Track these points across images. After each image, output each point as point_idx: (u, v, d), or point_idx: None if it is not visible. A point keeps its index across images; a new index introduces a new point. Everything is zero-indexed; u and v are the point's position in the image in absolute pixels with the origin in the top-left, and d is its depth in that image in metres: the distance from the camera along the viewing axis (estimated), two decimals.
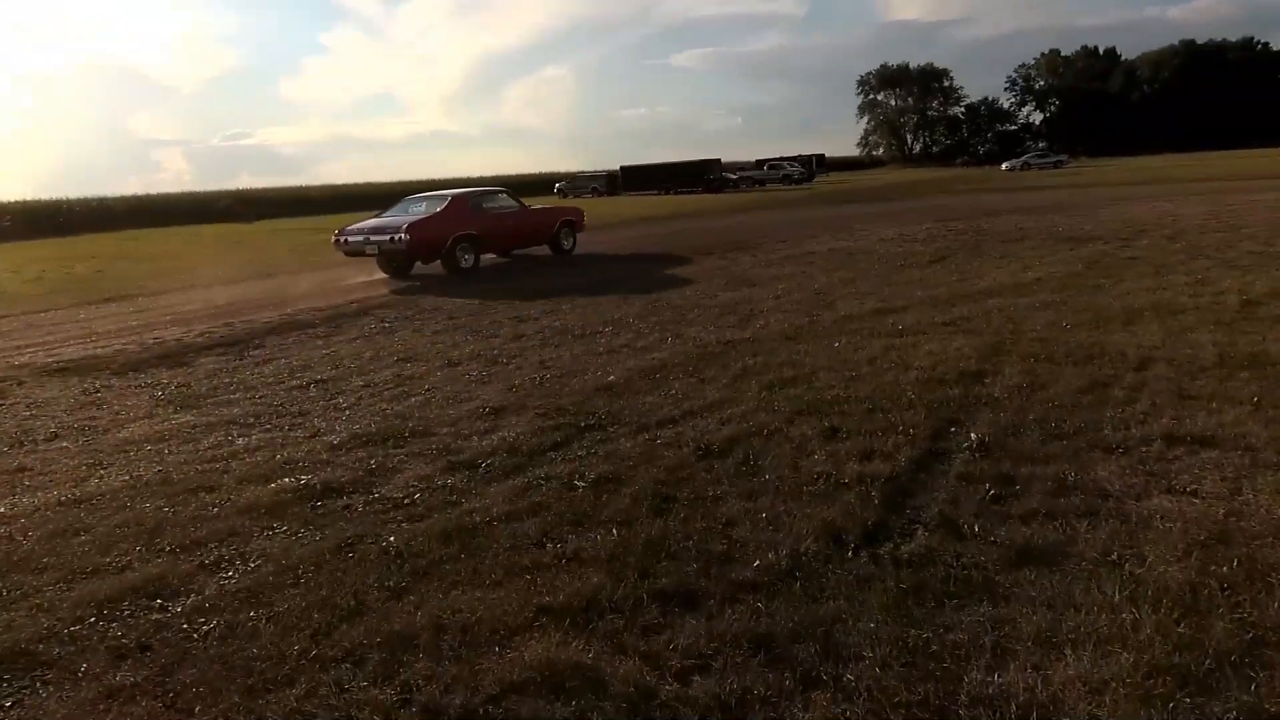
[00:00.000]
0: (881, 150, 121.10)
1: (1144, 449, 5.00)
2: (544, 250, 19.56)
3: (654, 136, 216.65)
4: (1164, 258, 12.23)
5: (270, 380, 8.74)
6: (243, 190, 72.49)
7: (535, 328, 10.50)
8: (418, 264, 17.35)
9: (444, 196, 17.60)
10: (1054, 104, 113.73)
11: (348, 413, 7.28)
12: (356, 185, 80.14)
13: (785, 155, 74.39)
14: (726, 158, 73.23)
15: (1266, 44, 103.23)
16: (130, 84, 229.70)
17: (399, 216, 17.03)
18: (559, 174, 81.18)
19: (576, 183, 71.68)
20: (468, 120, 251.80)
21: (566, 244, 19.69)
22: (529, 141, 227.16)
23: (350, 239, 17.00)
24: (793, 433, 5.78)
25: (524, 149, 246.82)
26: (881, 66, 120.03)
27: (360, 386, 8.18)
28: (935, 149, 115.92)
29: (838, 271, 13.43)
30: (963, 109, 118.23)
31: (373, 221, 17.45)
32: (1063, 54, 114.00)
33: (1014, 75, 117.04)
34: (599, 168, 71.86)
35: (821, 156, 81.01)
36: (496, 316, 11.54)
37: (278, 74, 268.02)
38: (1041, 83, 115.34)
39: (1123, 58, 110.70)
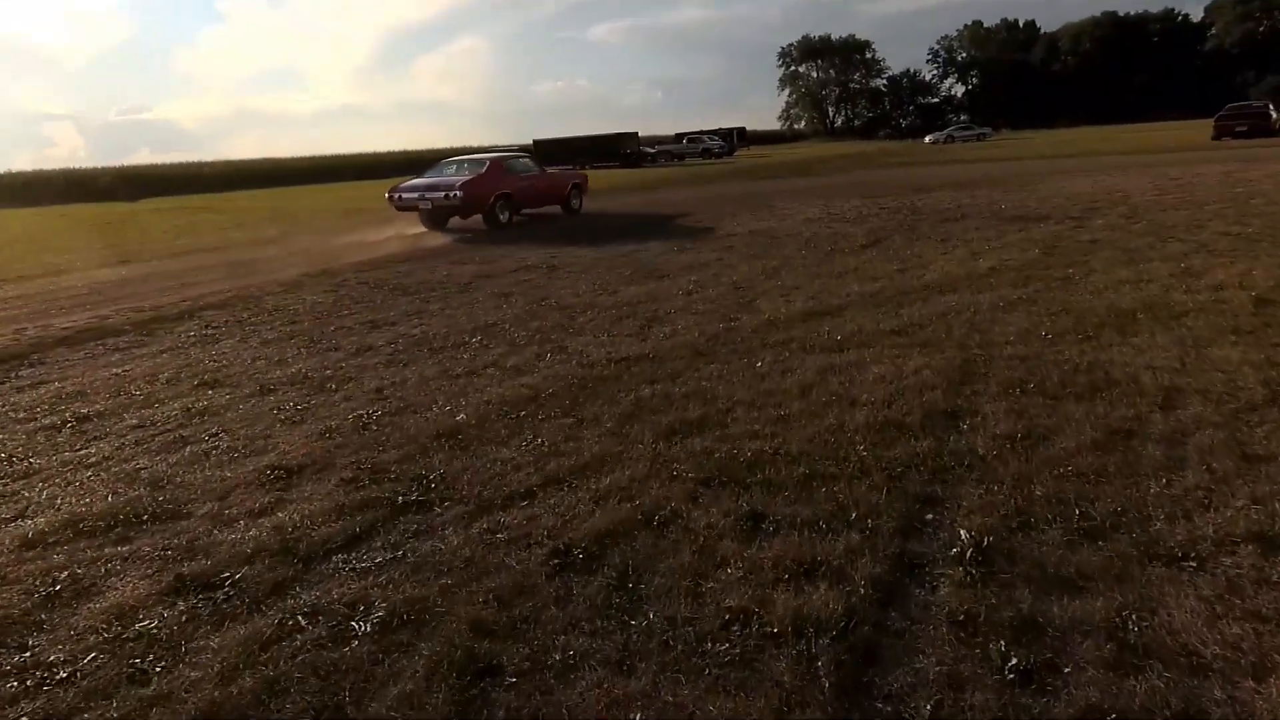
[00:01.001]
0: (803, 123, 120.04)
1: (1227, 561, 3.27)
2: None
3: (573, 110, 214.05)
4: (1130, 240, 10.68)
5: (21, 416, 6.59)
6: (127, 167, 67.64)
7: (388, 337, 8.48)
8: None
9: (483, 160, 19.79)
10: (975, 76, 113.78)
11: (88, 474, 5.22)
12: (254, 161, 75.84)
13: (705, 128, 72.52)
14: (648, 131, 71.31)
15: (1186, 15, 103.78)
16: (14, 55, 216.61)
17: (449, 177, 19.10)
18: (472, 148, 78.25)
19: None
20: (379, 94, 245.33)
21: (575, 203, 21.67)
22: (444, 115, 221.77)
23: (404, 195, 19.04)
24: (696, 520, 3.93)
25: (439, 123, 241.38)
26: (803, 38, 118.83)
27: (131, 427, 6.12)
28: (857, 122, 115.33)
29: (760, 259, 11.62)
30: (885, 81, 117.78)
31: (424, 180, 19.46)
32: (985, 26, 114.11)
33: (936, 47, 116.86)
34: (516, 142, 69.01)
35: (743, 130, 79.12)
36: (347, 321, 9.47)
37: (171, 44, 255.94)
38: (964, 54, 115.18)
39: (1042, 30, 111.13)
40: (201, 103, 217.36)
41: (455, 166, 19.94)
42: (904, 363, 6.05)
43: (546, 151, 64.36)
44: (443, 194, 18.13)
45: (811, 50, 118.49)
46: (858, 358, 6.30)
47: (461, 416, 5.75)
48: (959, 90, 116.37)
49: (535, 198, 20.53)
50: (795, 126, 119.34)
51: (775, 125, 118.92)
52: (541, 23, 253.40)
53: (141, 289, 13.11)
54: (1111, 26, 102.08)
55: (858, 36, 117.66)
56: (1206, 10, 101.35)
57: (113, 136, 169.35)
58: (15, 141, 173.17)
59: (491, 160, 19.72)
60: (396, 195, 19.27)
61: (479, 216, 18.74)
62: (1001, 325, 6.91)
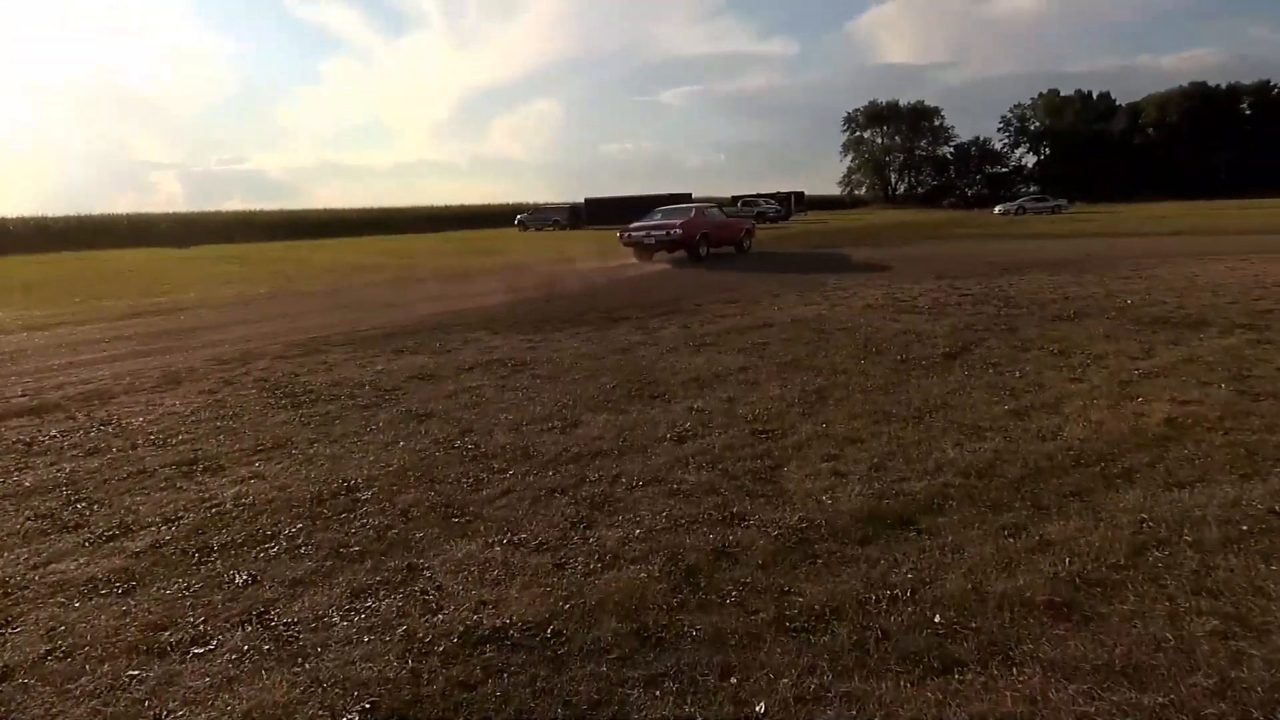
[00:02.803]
0: (864, 189, 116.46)
1: None
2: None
3: (637, 170, 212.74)
4: None
5: None
6: (184, 214, 67.32)
7: (178, 505, 5.15)
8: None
9: (689, 208, 25.91)
10: (1046, 146, 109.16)
11: None
12: (313, 211, 75.84)
13: (764, 192, 69.20)
14: (709, 193, 68.52)
15: None
16: (129, 107, 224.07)
17: (666, 220, 24.35)
18: (527, 205, 76.37)
19: (539, 215, 66.76)
20: (454, 150, 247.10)
21: (746, 244, 27.19)
22: (514, 172, 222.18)
23: (633, 234, 24.28)
24: None
25: (509, 179, 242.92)
26: (870, 103, 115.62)
27: None
28: (920, 189, 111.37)
29: (800, 371, 8.11)
30: (952, 149, 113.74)
31: (646, 223, 24.70)
32: (1060, 94, 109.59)
33: (1008, 115, 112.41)
34: (570, 199, 66.69)
35: (801, 194, 75.72)
36: (168, 455, 6.22)
37: (275, 101, 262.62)
38: (1037, 124, 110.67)
39: (1117, 103, 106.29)
40: (292, 155, 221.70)
41: (662, 215, 25.36)
42: None
43: (597, 211, 62.05)
44: (665, 231, 23.53)
45: (877, 115, 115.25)
46: (993, 710, 2.72)
47: None
48: (1030, 160, 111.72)
49: (722, 238, 25.68)
50: (856, 192, 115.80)
51: (835, 190, 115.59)
52: (613, 87, 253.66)
53: (20, 367, 10.34)
54: (1200, 98, 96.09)
55: (926, 104, 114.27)
56: None
57: (210, 185, 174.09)
58: (123, 187, 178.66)
59: (695, 208, 25.95)
60: (626, 235, 24.50)
61: (684, 251, 23.70)
62: None
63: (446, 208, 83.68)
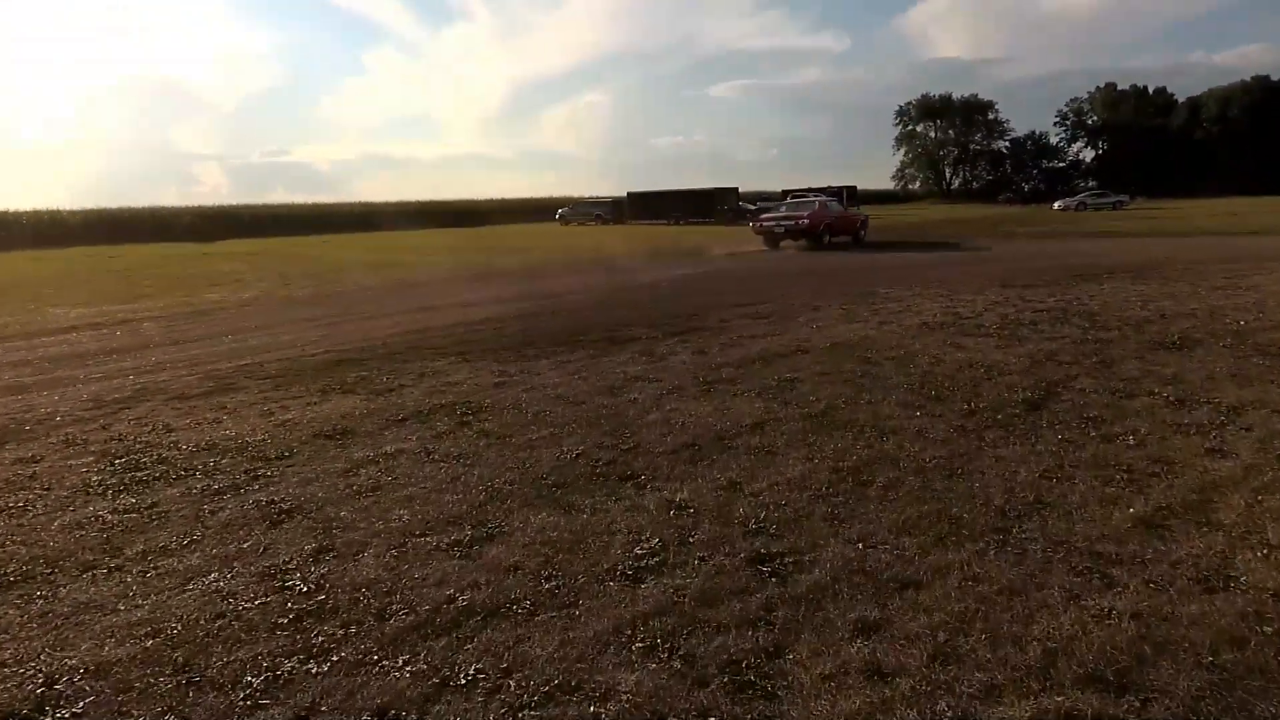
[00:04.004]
0: (918, 184, 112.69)
1: None
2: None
3: (688, 164, 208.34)
4: None
5: None
6: (211, 208, 66.78)
7: None
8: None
9: (813, 201, 29.78)
10: (1104, 142, 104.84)
11: None
12: (348, 204, 75.65)
13: (815, 186, 66.41)
14: (761, 188, 66.44)
15: None
16: (173, 98, 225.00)
17: (794, 211, 28.15)
18: (573, 199, 74.77)
19: (580, 209, 65.29)
20: (502, 143, 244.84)
21: (862, 233, 29.56)
22: (563, 166, 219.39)
23: (764, 223, 28.09)
24: None
25: (558, 173, 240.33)
26: (923, 96, 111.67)
27: None
28: (975, 185, 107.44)
29: (834, 432, 6.04)
30: (1007, 143, 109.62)
31: (776, 214, 28.78)
32: (1118, 89, 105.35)
33: (1064, 109, 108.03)
34: (613, 194, 65.16)
35: (853, 189, 72.55)
36: None
37: (318, 93, 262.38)
38: (1094, 118, 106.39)
39: (1175, 98, 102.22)
40: (335, 147, 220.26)
41: (788, 207, 29.64)
42: None
43: (640, 204, 60.28)
44: (794, 221, 27.04)
45: (930, 109, 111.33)
46: None
47: None
48: (1087, 155, 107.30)
49: (842, 229, 28.52)
50: (909, 187, 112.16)
51: (888, 185, 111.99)
52: (664, 80, 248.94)
53: None
54: (1263, 92, 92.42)
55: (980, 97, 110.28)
56: None
57: (254, 177, 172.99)
58: (167, 179, 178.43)
59: (819, 201, 29.46)
60: (758, 224, 28.45)
61: (806, 239, 26.98)
62: None
63: (489, 201, 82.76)
